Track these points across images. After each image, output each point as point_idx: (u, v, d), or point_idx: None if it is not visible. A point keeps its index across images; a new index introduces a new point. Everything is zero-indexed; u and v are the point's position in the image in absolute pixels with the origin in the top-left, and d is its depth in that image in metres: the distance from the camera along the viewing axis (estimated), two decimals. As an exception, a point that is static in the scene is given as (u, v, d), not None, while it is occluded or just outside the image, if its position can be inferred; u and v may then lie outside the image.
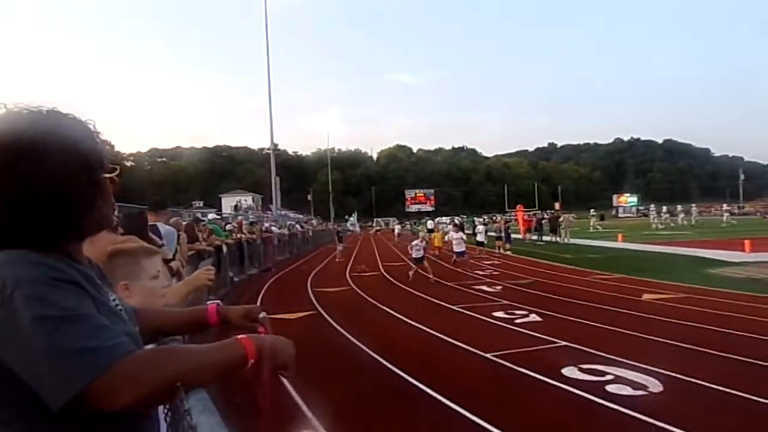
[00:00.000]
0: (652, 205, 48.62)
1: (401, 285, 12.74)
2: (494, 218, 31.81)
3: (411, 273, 13.59)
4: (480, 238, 22.19)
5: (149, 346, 1.20)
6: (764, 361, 5.24)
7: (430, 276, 13.20)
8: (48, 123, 0.96)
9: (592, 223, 39.84)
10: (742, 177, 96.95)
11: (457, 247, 15.92)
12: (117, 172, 1.07)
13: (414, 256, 13.72)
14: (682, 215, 40.04)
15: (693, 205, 45.54)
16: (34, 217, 0.92)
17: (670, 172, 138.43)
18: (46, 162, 0.92)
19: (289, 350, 1.07)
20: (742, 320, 7.18)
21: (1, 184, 0.90)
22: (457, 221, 26.52)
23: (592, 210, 45.44)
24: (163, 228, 4.78)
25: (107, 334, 0.85)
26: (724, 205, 44.75)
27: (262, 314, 1.35)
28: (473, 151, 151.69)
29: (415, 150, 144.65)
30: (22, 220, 0.91)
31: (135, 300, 1.61)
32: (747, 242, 16.39)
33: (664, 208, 43.46)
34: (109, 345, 0.84)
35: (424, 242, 14.66)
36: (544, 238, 28.43)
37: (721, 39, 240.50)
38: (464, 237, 16.95)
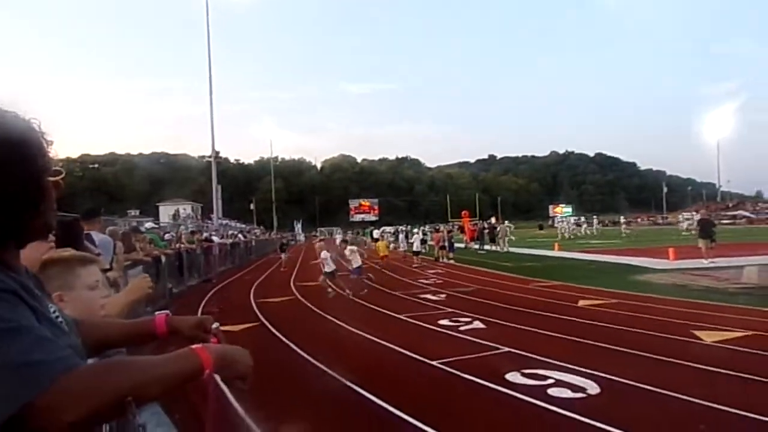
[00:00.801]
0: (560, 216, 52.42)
1: (348, 294, 12.66)
2: (437, 228, 32.35)
3: (330, 291, 12.11)
4: (416, 247, 22.42)
5: (92, 360, 1.13)
6: (693, 362, 5.57)
7: (346, 291, 12.04)
8: None
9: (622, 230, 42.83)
10: (665, 189, 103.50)
11: (354, 263, 13.49)
12: (62, 176, 1.00)
13: (326, 270, 12.33)
14: (585, 226, 44.64)
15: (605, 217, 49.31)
16: None
17: (601, 184, 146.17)
18: None
19: (246, 360, 1.05)
20: (669, 323, 7.61)
21: None
22: (348, 237, 25.02)
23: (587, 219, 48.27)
24: (98, 237, 4.54)
25: (49, 348, 0.80)
26: (622, 217, 49.16)
27: (215, 325, 1.31)
28: (417, 162, 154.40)
29: (359, 160, 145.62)
30: None
31: (71, 311, 1.51)
32: (671, 250, 17.46)
33: (572, 219, 47.33)
34: (52, 359, 0.78)
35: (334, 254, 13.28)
36: (485, 246, 29.17)
37: (647, 62, 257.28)
38: (361, 252, 15.04)
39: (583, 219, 48.15)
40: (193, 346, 0.97)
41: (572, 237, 39.98)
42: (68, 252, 2.09)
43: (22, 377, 0.75)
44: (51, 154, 0.97)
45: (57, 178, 0.99)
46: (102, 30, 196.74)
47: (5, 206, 0.87)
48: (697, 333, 6.91)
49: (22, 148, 0.90)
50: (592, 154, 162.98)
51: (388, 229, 50.31)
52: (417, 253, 22.01)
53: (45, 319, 0.89)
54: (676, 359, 5.69)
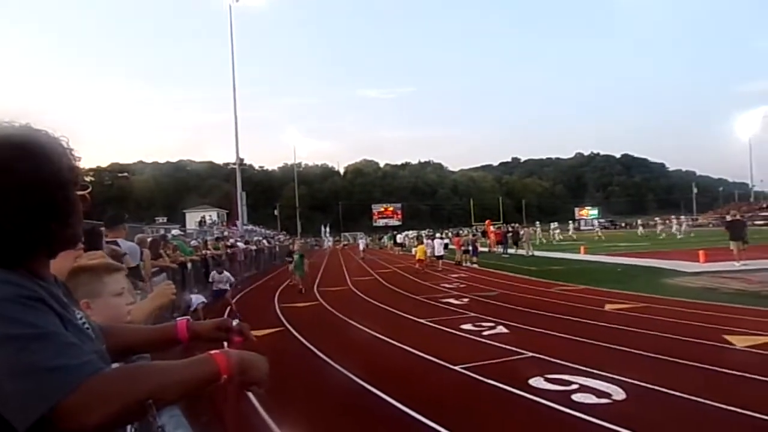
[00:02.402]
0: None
1: (369, 299, 12.71)
2: (459, 232, 32.27)
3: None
4: (437, 252, 22.25)
5: (117, 365, 1.17)
6: (721, 367, 5.44)
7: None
8: (22, 138, 0.94)
9: (555, 236, 41.61)
10: (695, 190, 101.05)
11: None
12: (88, 190, 1.06)
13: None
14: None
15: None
16: (6, 233, 0.90)
17: (628, 186, 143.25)
18: (21, 177, 0.91)
19: (263, 366, 1.07)
20: (699, 328, 7.43)
21: None
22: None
23: (552, 224, 47.01)
24: (124, 244, 4.66)
25: (75, 353, 0.84)
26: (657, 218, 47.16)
27: (236, 321, 1.35)
28: (439, 166, 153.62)
29: (381, 164, 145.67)
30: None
31: (98, 317, 1.57)
32: (701, 253, 17.04)
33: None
34: (78, 363, 0.82)
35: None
36: (509, 250, 28.93)
37: (676, 61, 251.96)
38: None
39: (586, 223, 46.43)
40: (212, 352, 1.01)
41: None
42: (95, 260, 2.17)
43: (50, 381, 0.79)
44: (78, 169, 1.03)
45: (84, 192, 1.04)
46: (128, 41, 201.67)
47: (36, 218, 0.93)
48: (728, 337, 6.74)
49: (52, 163, 0.96)
50: (618, 156, 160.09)
51: (410, 233, 50.25)
52: (439, 258, 21.92)
53: (72, 325, 0.94)
54: (706, 364, 5.56)
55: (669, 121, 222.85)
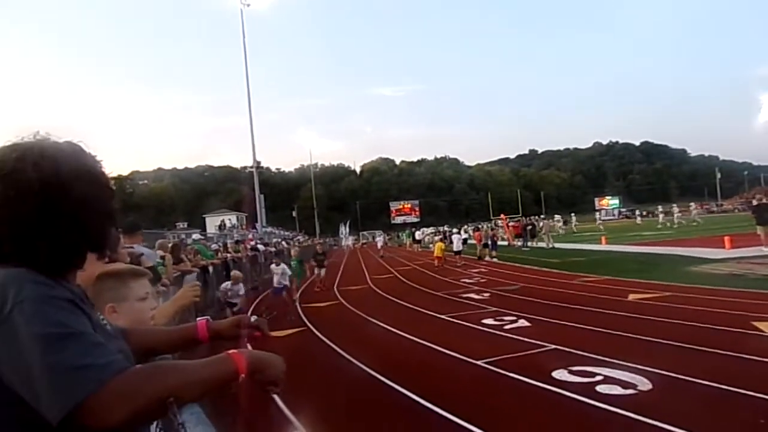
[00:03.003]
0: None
1: (390, 297, 12.73)
2: (479, 227, 32.12)
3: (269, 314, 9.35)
4: (456, 247, 22.22)
5: (139, 366, 1.21)
6: (750, 354, 5.33)
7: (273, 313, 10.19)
8: (70, 153, 1.01)
9: (572, 227, 41.45)
10: (719, 176, 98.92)
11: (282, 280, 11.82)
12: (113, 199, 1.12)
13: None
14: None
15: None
16: (55, 241, 0.96)
17: (649, 174, 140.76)
18: (71, 190, 0.97)
19: (279, 366, 1.10)
20: (726, 315, 7.28)
21: (27, 207, 0.94)
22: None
23: (572, 214, 46.68)
24: (141, 250, 4.76)
25: (102, 352, 0.88)
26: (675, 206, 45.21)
27: (254, 317, 1.37)
28: (455, 161, 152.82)
29: (397, 162, 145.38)
30: (43, 243, 0.95)
31: (123, 321, 1.61)
32: (727, 239, 16.69)
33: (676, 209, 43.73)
34: (104, 362, 0.86)
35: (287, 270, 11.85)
36: (529, 243, 28.72)
37: (693, 42, 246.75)
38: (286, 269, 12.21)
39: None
40: (230, 351, 1.04)
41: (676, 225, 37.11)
42: (121, 265, 2.22)
43: (77, 379, 0.83)
44: (111, 182, 1.13)
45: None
46: (140, 48, 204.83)
47: (82, 231, 1.00)
48: (758, 324, 6.59)
49: (96, 178, 1.05)
50: (638, 143, 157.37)
51: (428, 230, 50.17)
52: (458, 253, 21.88)
53: (98, 326, 0.99)
54: (735, 352, 5.45)
55: (689, 105, 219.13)
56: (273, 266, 11.88)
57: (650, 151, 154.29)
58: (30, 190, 0.93)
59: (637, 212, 46.77)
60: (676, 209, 41.23)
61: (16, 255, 0.94)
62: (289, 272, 12.00)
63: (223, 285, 10.70)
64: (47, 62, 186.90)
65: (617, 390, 4.59)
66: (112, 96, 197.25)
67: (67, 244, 0.98)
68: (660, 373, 4.92)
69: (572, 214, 48.96)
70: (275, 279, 11.61)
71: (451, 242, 23.75)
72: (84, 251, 1.03)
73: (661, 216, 41.37)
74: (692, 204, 48.01)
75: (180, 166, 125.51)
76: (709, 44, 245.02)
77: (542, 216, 54.66)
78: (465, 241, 24.39)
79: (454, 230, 33.62)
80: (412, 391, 5.05)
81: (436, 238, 26.84)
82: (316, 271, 17.01)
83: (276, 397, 1.15)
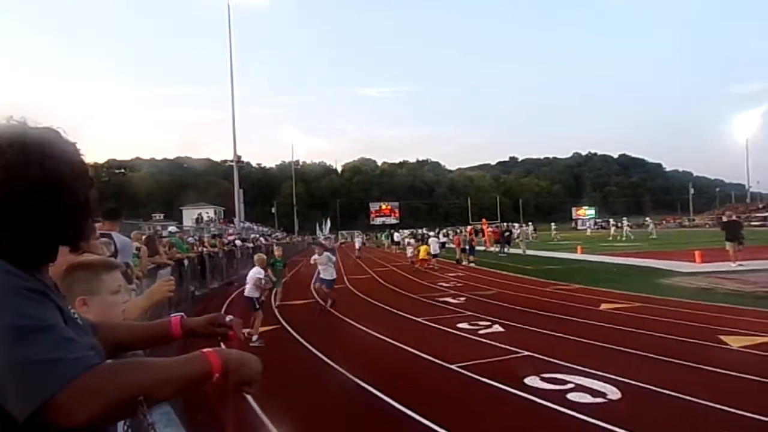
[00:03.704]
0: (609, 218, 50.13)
1: (366, 298, 12.71)
2: (458, 231, 32.36)
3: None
4: (433, 250, 22.06)
5: (109, 362, 1.17)
6: (717, 367, 5.45)
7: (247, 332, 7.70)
8: (45, 138, 0.96)
9: (553, 236, 41.87)
10: (692, 191, 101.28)
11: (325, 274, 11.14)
12: (94, 185, 1.07)
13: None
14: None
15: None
16: (24, 234, 0.91)
17: (625, 186, 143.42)
18: (44, 179, 0.92)
19: (256, 366, 1.07)
20: (694, 328, 7.45)
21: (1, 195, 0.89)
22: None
23: (552, 223, 47.09)
24: (118, 238, 4.59)
25: (73, 347, 0.84)
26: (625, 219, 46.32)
27: (229, 317, 1.34)
28: (437, 164, 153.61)
29: (379, 163, 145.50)
30: (10, 235, 0.91)
31: (93, 315, 1.56)
32: (697, 253, 17.08)
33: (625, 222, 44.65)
34: (74, 358, 0.83)
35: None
36: (506, 250, 28.98)
37: (673, 61, 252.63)
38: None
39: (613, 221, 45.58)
40: (204, 350, 1.00)
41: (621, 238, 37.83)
42: (94, 257, 2.15)
43: (45, 374, 0.79)
44: (87, 165, 1.06)
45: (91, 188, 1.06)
46: (125, 37, 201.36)
47: (58, 218, 0.95)
48: (724, 338, 6.76)
49: (73, 163, 0.99)
50: (615, 156, 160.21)
51: (405, 232, 50.24)
52: (435, 256, 21.78)
53: (70, 320, 0.95)
54: (702, 364, 5.57)
55: (666, 121, 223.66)
56: (316, 256, 11.30)
57: (627, 163, 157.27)
58: None
59: (612, 222, 47.40)
60: (625, 222, 42.30)
61: None
62: (334, 258, 11.45)
63: (257, 273, 8.46)
64: (24, 46, 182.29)
65: (587, 398, 4.65)
66: (91, 82, 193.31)
67: (38, 237, 0.93)
68: (629, 382, 5.00)
69: (552, 224, 49.34)
70: (321, 270, 11.04)
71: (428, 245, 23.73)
72: (56, 244, 0.99)
73: (612, 228, 42.52)
74: (647, 219, 49.34)
75: (158, 157, 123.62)
76: (689, 62, 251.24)
77: (520, 223, 55.13)
78: (443, 245, 24.41)
79: (431, 233, 33.74)
80: (385, 392, 5.04)
81: (413, 240, 26.60)
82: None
83: (249, 397, 1.12)
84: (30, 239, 0.92)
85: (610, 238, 37.80)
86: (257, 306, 8.17)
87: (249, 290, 8.31)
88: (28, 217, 0.91)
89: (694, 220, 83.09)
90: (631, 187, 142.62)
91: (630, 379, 5.08)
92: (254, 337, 7.67)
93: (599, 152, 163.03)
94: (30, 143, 0.93)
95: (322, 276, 11.23)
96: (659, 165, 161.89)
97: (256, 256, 9.51)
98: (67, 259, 1.75)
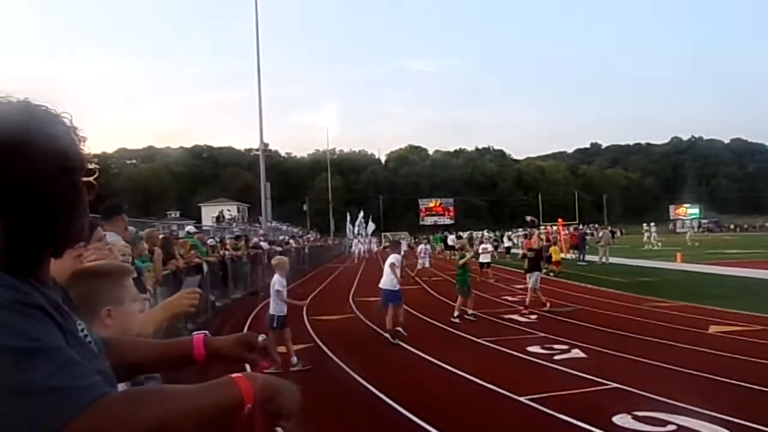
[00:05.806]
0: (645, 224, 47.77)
1: (415, 313, 12.70)
2: (527, 233, 31.77)
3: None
4: (483, 257, 20.68)
5: (122, 386, 1.18)
6: None
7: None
8: (22, 116, 0.94)
9: (645, 239, 40.60)
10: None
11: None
12: (95, 175, 1.06)
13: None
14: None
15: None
16: (10, 231, 0.91)
17: (739, 178, 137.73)
18: (23, 163, 0.91)
19: (294, 395, 1.06)
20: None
21: None
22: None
23: (646, 224, 45.53)
24: (112, 238, 4.31)
25: (78, 372, 0.84)
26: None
27: (261, 336, 1.34)
28: (501, 153, 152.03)
29: (430, 152, 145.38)
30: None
31: (115, 327, 1.59)
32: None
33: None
34: (80, 385, 0.82)
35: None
36: (587, 257, 28.39)
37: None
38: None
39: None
40: (233, 375, 1.00)
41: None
42: (110, 261, 2.21)
43: (46, 406, 0.79)
44: (84, 151, 1.04)
45: (90, 178, 1.05)
46: (136, 10, 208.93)
47: (42, 211, 0.93)
48: None
49: (55, 145, 0.96)
50: (727, 141, 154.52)
51: (462, 235, 49.79)
52: (487, 265, 21.05)
53: (73, 338, 0.94)
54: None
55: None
56: (422, 245, 11.40)
57: (742, 150, 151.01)
58: None
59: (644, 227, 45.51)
60: (653, 227, 41.15)
61: None
62: (430, 251, 11.40)
63: (279, 284, 8.16)
64: (27, 23, 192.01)
65: (693, 443, 4.49)
66: (99, 62, 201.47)
67: (23, 242, 0.92)
68: (744, 424, 4.83)
69: (647, 224, 47.51)
70: (419, 262, 11.09)
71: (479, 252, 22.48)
72: (42, 247, 0.97)
73: (645, 235, 42.10)
74: (645, 225, 47.07)
75: (174, 145, 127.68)
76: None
77: (602, 225, 53.71)
78: (508, 249, 23.83)
79: (484, 235, 33.07)
80: (437, 427, 5.03)
81: (487, 245, 25.44)
82: None
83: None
84: (16, 245, 0.92)
85: (648, 247, 37.65)
86: (283, 324, 7.98)
87: (274, 307, 8.05)
88: (8, 222, 0.90)
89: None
90: (747, 180, 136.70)
91: (746, 420, 4.90)
92: (293, 359, 7.70)
93: (705, 136, 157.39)
94: (6, 133, 0.91)
95: (380, 285, 10.37)
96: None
97: (275, 260, 9.09)
98: (69, 261, 1.81)
